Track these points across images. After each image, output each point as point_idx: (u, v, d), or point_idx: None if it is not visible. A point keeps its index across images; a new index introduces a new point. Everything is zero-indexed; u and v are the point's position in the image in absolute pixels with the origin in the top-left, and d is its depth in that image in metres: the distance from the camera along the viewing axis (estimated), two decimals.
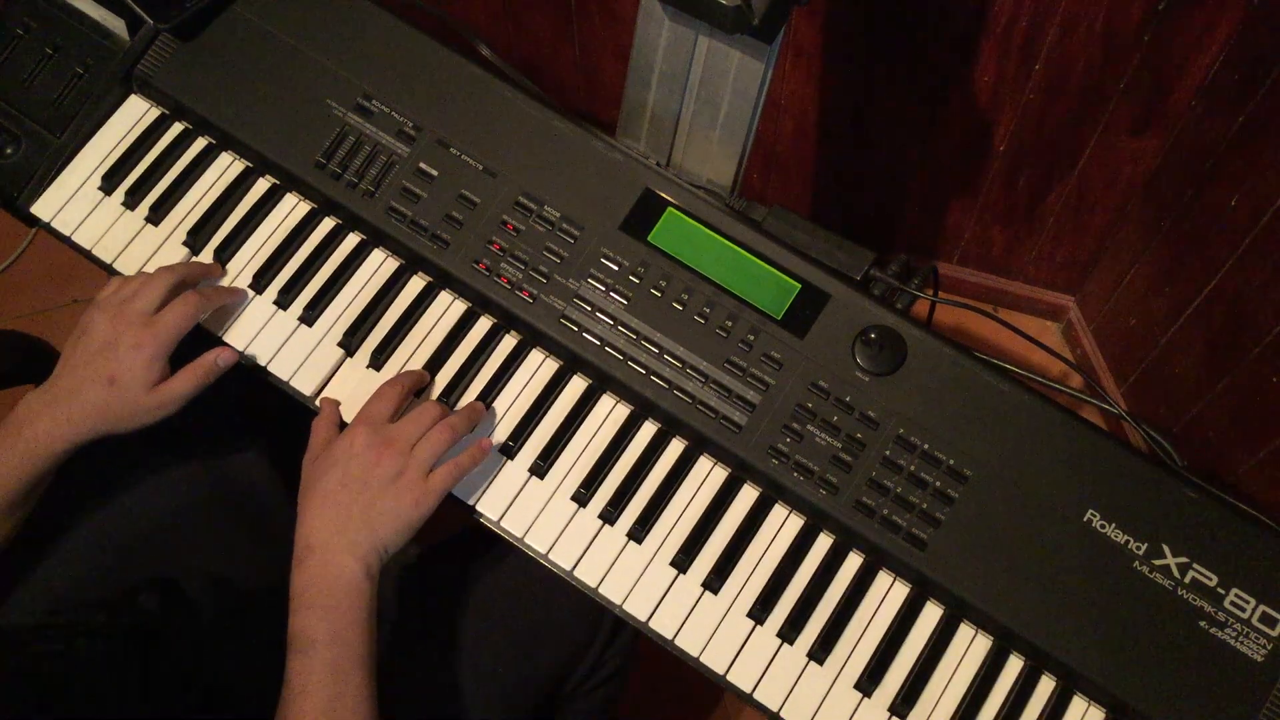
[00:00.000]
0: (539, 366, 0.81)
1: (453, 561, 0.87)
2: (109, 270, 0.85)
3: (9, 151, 0.87)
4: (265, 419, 0.90)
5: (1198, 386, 1.20)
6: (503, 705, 0.81)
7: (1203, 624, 0.70)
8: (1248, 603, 0.70)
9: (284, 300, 0.82)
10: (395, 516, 0.69)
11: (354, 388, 0.80)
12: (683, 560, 0.75)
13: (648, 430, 0.79)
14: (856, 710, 0.72)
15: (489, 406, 0.80)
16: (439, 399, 0.80)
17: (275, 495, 0.87)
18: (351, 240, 0.85)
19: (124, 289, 0.76)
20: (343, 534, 0.68)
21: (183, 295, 0.76)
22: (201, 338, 0.80)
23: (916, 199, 1.42)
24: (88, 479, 0.75)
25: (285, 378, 0.81)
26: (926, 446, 0.74)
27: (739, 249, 0.79)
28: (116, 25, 0.87)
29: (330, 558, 0.67)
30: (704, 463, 0.79)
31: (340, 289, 0.83)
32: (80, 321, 0.75)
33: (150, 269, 0.84)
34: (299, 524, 0.69)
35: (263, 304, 0.83)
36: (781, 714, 0.72)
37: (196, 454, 0.85)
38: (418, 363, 0.81)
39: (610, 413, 0.80)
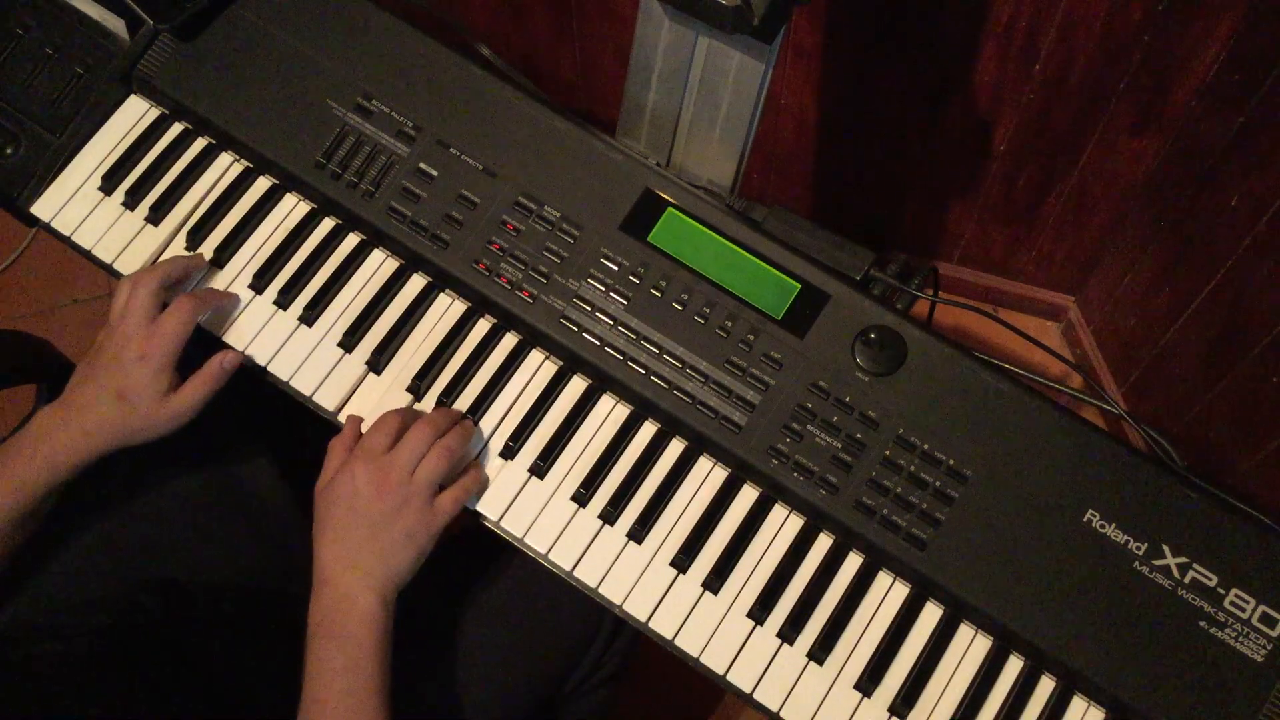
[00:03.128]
0: (539, 367, 0.81)
1: (453, 562, 0.87)
2: (109, 270, 0.85)
3: (9, 151, 0.87)
4: (268, 421, 0.90)
5: (1198, 386, 1.20)
6: (503, 705, 0.81)
7: (1203, 624, 0.70)
8: (1248, 603, 0.70)
9: (284, 300, 0.82)
10: (405, 546, 0.70)
11: (353, 388, 0.80)
12: (683, 560, 0.75)
13: (648, 430, 0.79)
14: (856, 710, 0.72)
15: (489, 407, 0.80)
16: (439, 399, 0.80)
17: (277, 495, 0.87)
18: (351, 240, 0.85)
19: (117, 302, 0.76)
20: (356, 567, 0.69)
21: (177, 300, 0.76)
22: (205, 341, 0.80)
23: (916, 199, 1.42)
24: (90, 480, 0.75)
25: (285, 378, 0.81)
26: (926, 446, 0.74)
27: (739, 249, 0.79)
28: (116, 25, 0.87)
29: (346, 591, 0.68)
30: (704, 463, 0.79)
31: (340, 289, 0.83)
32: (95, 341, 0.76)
33: None
34: (315, 558, 0.70)
35: (262, 304, 0.83)
36: (781, 714, 0.72)
37: (198, 455, 0.85)
38: (418, 363, 0.81)
39: (610, 413, 0.80)
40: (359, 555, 0.69)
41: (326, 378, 0.81)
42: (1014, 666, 0.74)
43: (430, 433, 0.74)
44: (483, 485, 0.77)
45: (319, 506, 0.72)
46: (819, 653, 0.73)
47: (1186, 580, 0.71)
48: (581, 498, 0.77)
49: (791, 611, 0.74)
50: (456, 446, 0.75)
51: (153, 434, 0.74)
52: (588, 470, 0.78)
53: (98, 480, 0.74)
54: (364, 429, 0.77)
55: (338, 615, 0.67)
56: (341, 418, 0.79)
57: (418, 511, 0.71)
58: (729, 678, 0.73)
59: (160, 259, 0.84)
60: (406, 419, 0.75)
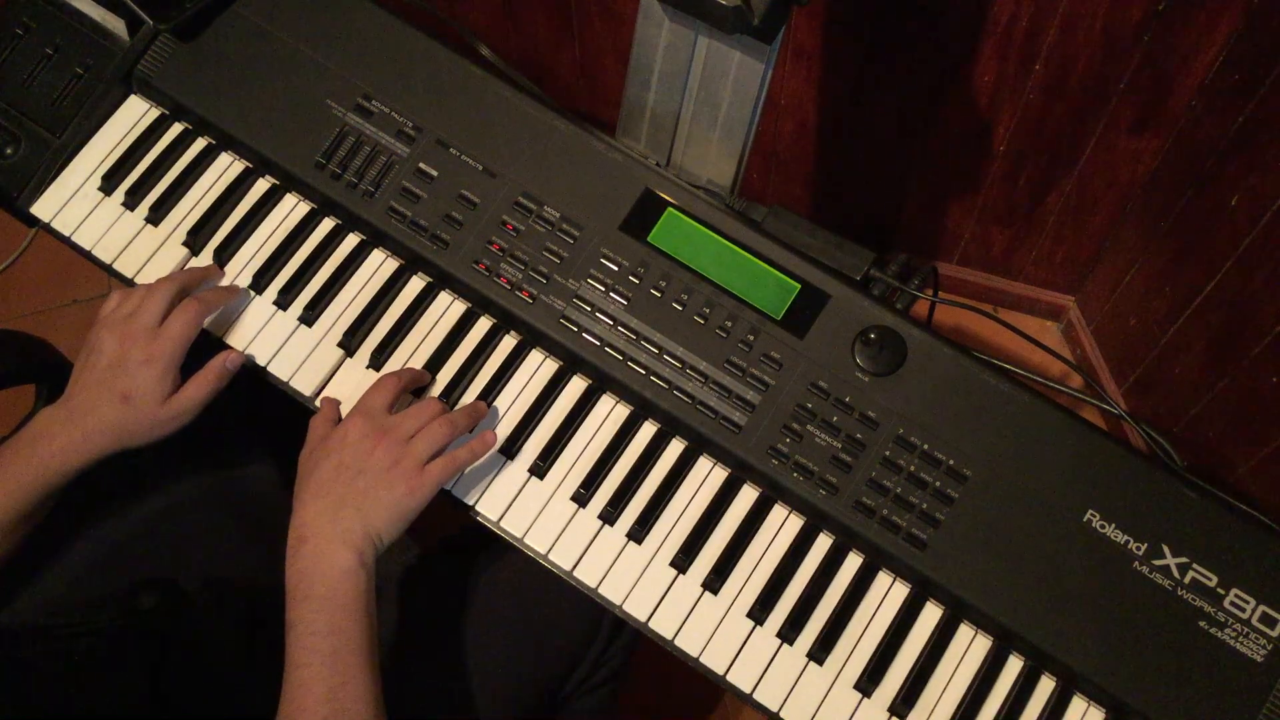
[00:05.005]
0: (539, 367, 0.81)
1: (453, 562, 0.87)
2: (109, 271, 0.85)
3: (9, 151, 0.87)
4: (269, 421, 0.90)
5: (1198, 386, 1.20)
6: (503, 705, 0.81)
7: (1203, 624, 0.70)
8: (1248, 603, 0.70)
9: (284, 300, 0.82)
10: (388, 505, 0.69)
11: (353, 388, 0.80)
12: (682, 560, 0.75)
13: (647, 430, 0.79)
14: (856, 710, 0.72)
15: (489, 406, 0.80)
16: (439, 399, 0.79)
17: (278, 497, 0.87)
18: (351, 240, 0.85)
19: (126, 304, 0.76)
20: (335, 522, 0.68)
21: (183, 303, 0.76)
22: (203, 341, 0.80)
23: (916, 199, 1.42)
24: (91, 481, 0.75)
25: (285, 378, 0.81)
26: (926, 446, 0.74)
27: (739, 249, 0.79)
28: (116, 25, 0.87)
29: (323, 547, 0.67)
30: (704, 463, 0.79)
31: (340, 289, 0.83)
32: (88, 340, 0.76)
33: (150, 269, 0.84)
34: (293, 515, 0.69)
35: (262, 304, 0.83)
36: (781, 714, 0.72)
37: (200, 457, 0.85)
38: (417, 363, 0.81)
39: (610, 413, 0.80)
40: (338, 511, 0.68)
41: (326, 378, 0.81)
42: (1014, 666, 0.74)
43: (438, 408, 0.74)
44: (476, 459, 0.75)
45: (303, 467, 0.71)
46: (819, 653, 0.73)
47: (1186, 580, 0.71)
48: (581, 498, 0.77)
49: (791, 612, 0.74)
50: (462, 424, 0.75)
51: (154, 435, 0.74)
52: (588, 470, 0.78)
53: (99, 481, 0.74)
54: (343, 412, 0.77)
55: (316, 574, 0.66)
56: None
57: (406, 475, 0.70)
58: (729, 678, 0.73)
59: (169, 266, 0.84)
60: (406, 382, 0.75)
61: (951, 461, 0.74)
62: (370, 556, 0.68)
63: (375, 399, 0.73)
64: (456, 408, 0.78)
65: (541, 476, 0.78)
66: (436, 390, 0.80)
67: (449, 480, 0.73)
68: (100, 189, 0.86)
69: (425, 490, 0.71)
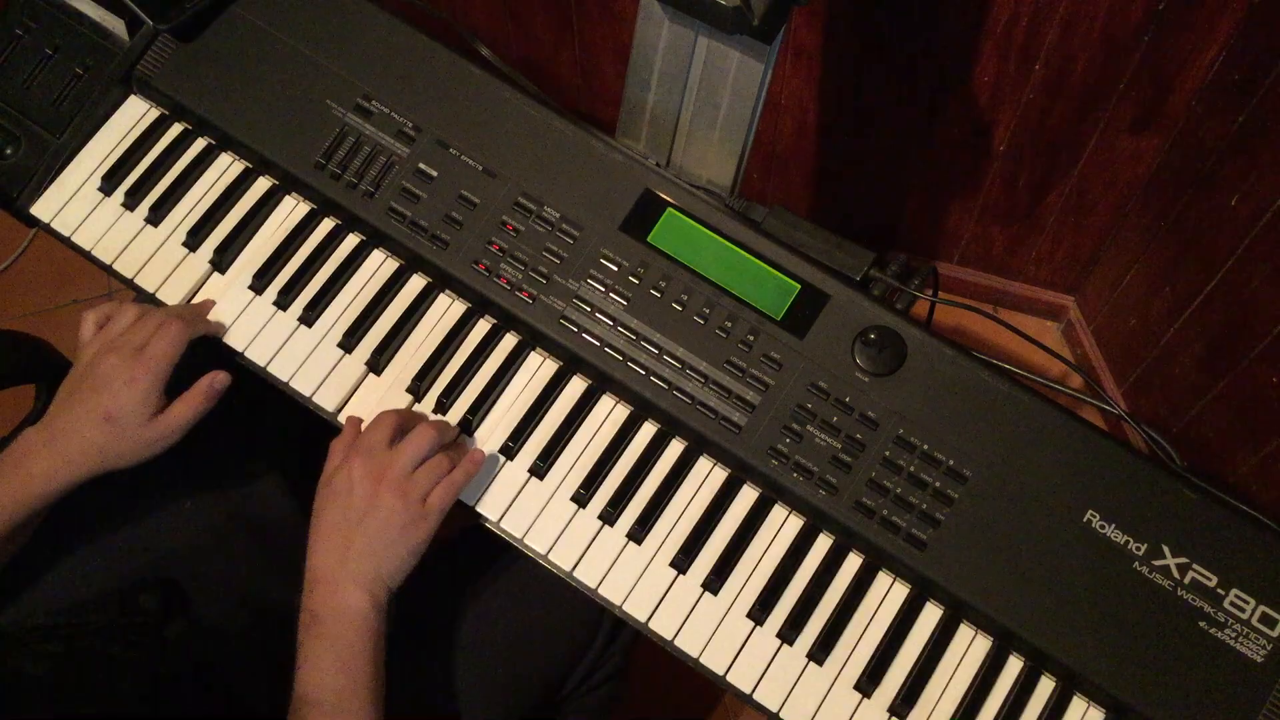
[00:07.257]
0: (539, 367, 0.81)
1: (453, 562, 0.87)
2: (109, 271, 0.85)
3: (9, 151, 0.87)
4: (278, 438, 0.89)
5: (1198, 386, 1.20)
6: (503, 705, 0.81)
7: (1203, 624, 0.70)
8: (1247, 603, 0.70)
9: (283, 301, 0.82)
10: (397, 545, 0.70)
11: (353, 389, 0.80)
12: (682, 561, 0.75)
13: (647, 431, 0.79)
14: (856, 711, 0.72)
15: (489, 407, 0.80)
16: (439, 400, 0.80)
17: (285, 507, 0.86)
18: (351, 241, 0.85)
19: (114, 324, 0.76)
20: (346, 565, 0.68)
21: (166, 322, 0.75)
22: (196, 352, 0.80)
23: (916, 199, 1.42)
24: (97, 488, 0.74)
25: (285, 379, 0.81)
26: (926, 447, 0.74)
27: (738, 249, 0.79)
28: (116, 26, 0.87)
29: (336, 589, 0.67)
30: (704, 463, 0.79)
31: (340, 289, 0.83)
32: (76, 359, 0.75)
33: (150, 270, 0.84)
34: (308, 556, 0.70)
35: (262, 305, 0.83)
36: (781, 714, 0.72)
37: (208, 471, 0.85)
38: (418, 363, 0.81)
39: (610, 413, 0.80)
40: (350, 554, 0.68)
41: (326, 378, 0.81)
42: (1014, 666, 0.74)
43: (435, 437, 0.73)
44: (470, 479, 0.75)
45: (316, 504, 0.72)
46: (819, 653, 0.73)
47: (1186, 580, 0.71)
48: (581, 498, 0.77)
49: (791, 612, 0.74)
50: (458, 455, 0.75)
51: (139, 456, 0.73)
52: (587, 471, 0.78)
53: (105, 488, 0.74)
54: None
55: (328, 614, 0.67)
56: (341, 418, 0.79)
57: (411, 514, 0.70)
58: (729, 678, 0.73)
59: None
60: (404, 417, 0.75)
61: (951, 462, 0.74)
62: (383, 598, 0.69)
63: (375, 436, 0.73)
64: (450, 439, 0.77)
65: (541, 477, 0.78)
66: (436, 391, 0.80)
67: (450, 506, 0.73)
68: (100, 189, 0.86)
69: (429, 525, 0.71)
